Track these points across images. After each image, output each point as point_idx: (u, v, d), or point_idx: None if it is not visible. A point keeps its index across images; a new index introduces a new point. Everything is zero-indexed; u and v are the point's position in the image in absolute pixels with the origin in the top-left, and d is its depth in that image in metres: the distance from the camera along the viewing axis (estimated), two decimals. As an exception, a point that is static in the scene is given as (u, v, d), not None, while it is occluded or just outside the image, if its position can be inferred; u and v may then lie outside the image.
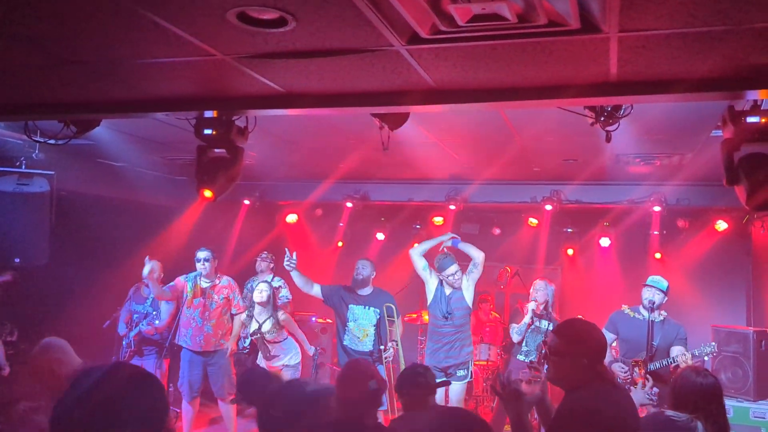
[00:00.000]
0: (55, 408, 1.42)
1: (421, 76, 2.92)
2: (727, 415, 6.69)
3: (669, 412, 2.89)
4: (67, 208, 6.30)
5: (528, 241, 8.65)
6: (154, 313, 6.19)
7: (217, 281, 6.10)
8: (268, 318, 5.85)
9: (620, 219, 7.81)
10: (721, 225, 7.47)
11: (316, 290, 5.84)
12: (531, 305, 5.99)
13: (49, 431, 1.41)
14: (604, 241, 8.10)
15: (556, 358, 2.55)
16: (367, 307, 5.75)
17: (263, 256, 7.47)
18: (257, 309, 5.93)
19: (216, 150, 3.79)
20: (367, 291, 5.82)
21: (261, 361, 6.05)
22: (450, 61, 2.71)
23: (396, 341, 5.72)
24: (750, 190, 2.92)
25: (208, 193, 3.76)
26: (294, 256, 5.66)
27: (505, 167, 6.51)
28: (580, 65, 2.67)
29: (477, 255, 5.78)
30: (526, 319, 5.93)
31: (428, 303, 5.89)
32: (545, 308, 6.10)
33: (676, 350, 5.15)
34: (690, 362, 5.02)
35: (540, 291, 6.03)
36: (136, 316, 6.22)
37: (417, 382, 3.08)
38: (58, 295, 6.25)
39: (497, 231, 8.98)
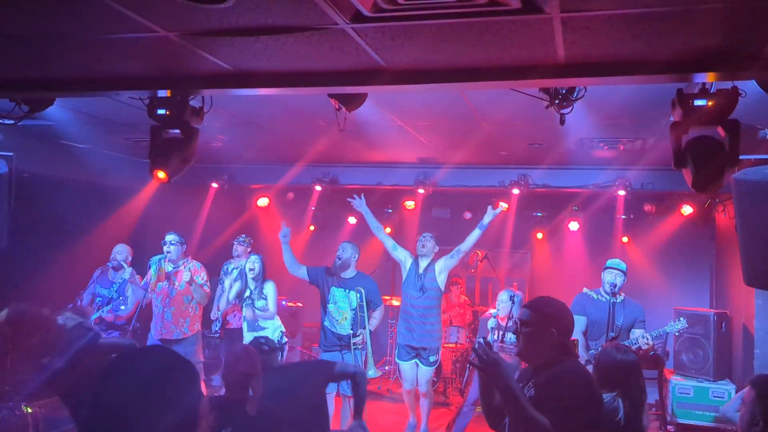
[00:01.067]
0: (96, 392, 1.39)
1: (371, 56, 2.89)
2: (688, 395, 6.92)
3: None
4: (28, 190, 6.18)
5: (499, 225, 8.71)
6: (120, 298, 6.08)
7: (182, 267, 6.04)
8: (257, 287, 6.11)
9: (588, 203, 7.90)
10: (687, 209, 7.58)
11: (302, 272, 5.90)
12: (491, 323, 5.88)
13: (89, 414, 1.39)
14: (573, 225, 8.19)
15: (527, 330, 2.57)
16: (347, 291, 5.78)
17: (240, 239, 7.39)
18: (249, 280, 6.13)
19: (170, 131, 3.73)
20: (349, 274, 5.84)
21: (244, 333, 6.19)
22: (397, 41, 2.69)
23: (366, 328, 5.76)
24: (695, 172, 2.96)
25: (161, 175, 3.71)
26: (289, 230, 5.84)
27: (473, 151, 6.52)
28: (527, 46, 2.66)
29: (468, 245, 5.89)
30: (491, 336, 5.80)
31: (403, 280, 6.07)
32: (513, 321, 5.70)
33: (636, 333, 5.24)
34: (651, 342, 5.13)
35: (502, 304, 5.77)
36: (99, 299, 6.11)
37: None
38: (19, 279, 6.14)
39: (468, 215, 9.03)
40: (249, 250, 7.24)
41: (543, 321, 2.54)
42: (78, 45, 2.99)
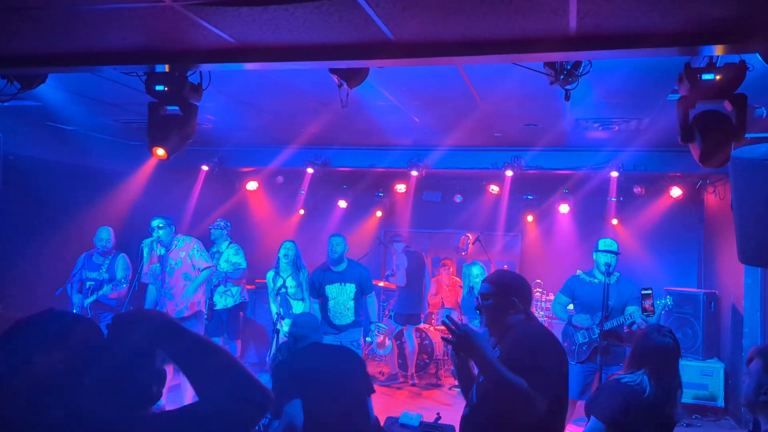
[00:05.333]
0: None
1: (380, 28, 2.84)
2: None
3: (625, 379, 2.94)
4: (16, 172, 6.06)
5: (489, 208, 8.75)
6: (121, 279, 5.98)
7: (174, 245, 5.97)
8: (291, 275, 6.17)
9: (579, 186, 7.94)
10: (676, 191, 7.65)
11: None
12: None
13: None
14: (564, 208, 8.23)
15: (489, 301, 2.64)
16: (342, 284, 5.95)
17: (217, 223, 7.30)
18: (282, 265, 6.16)
19: (168, 107, 3.65)
20: (342, 267, 5.99)
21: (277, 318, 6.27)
22: (409, 12, 2.64)
23: (379, 325, 6.34)
24: (703, 147, 2.97)
25: (160, 152, 3.63)
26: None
27: (467, 132, 6.49)
28: (540, 17, 2.63)
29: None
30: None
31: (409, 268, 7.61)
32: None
33: (631, 310, 5.30)
34: (643, 315, 5.21)
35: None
36: (90, 283, 6.03)
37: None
38: (6, 261, 6.03)
39: (459, 198, 9.04)
40: (226, 232, 7.19)
41: (503, 290, 2.61)
42: (77, 16, 2.90)
